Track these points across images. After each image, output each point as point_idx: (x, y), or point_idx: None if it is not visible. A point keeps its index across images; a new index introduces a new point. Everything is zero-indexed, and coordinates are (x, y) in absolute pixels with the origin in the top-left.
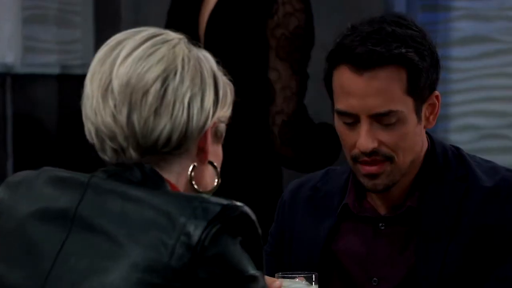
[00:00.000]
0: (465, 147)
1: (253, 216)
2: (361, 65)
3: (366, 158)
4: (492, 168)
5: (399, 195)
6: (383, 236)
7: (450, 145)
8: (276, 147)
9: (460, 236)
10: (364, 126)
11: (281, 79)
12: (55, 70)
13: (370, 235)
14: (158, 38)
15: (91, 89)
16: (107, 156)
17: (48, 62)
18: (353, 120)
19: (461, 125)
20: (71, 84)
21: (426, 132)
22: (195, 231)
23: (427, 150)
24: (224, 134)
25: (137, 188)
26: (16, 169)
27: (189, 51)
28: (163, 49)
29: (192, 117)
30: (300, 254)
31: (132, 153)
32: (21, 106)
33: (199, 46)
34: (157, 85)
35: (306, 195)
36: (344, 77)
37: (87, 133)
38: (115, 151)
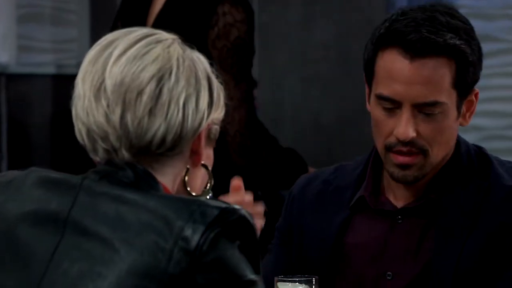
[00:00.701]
0: None
1: (251, 220)
2: (414, 51)
3: (401, 148)
4: None
5: (420, 188)
6: (399, 229)
7: (473, 144)
8: (232, 157)
9: (478, 233)
10: (405, 114)
11: (226, 91)
12: (51, 70)
13: (386, 228)
14: (151, 38)
15: (82, 89)
16: (99, 157)
17: (43, 62)
18: (394, 106)
19: (465, 126)
20: (66, 84)
21: None
22: (194, 235)
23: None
24: (217, 137)
25: (132, 191)
26: (11, 170)
27: (183, 52)
28: (158, 49)
29: (187, 118)
30: (311, 249)
31: (125, 153)
32: (16, 106)
33: (192, 47)
34: (152, 84)
35: (317, 189)
36: (392, 61)
37: (77, 133)
38: (107, 151)
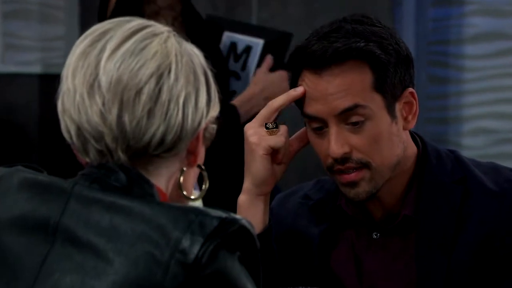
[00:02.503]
0: (479, 152)
1: (252, 230)
2: (318, 64)
3: (339, 167)
4: (493, 168)
5: (393, 203)
6: (377, 246)
7: (446, 148)
8: None
9: (463, 244)
10: (332, 130)
11: None
12: (37, 69)
13: (364, 244)
14: (147, 30)
15: (72, 83)
16: (89, 158)
17: (29, 60)
18: (321, 124)
19: (474, 129)
20: (54, 84)
21: (417, 135)
22: (192, 247)
23: (418, 154)
24: (213, 136)
25: (126, 197)
26: None
27: (180, 46)
28: (155, 44)
29: (187, 118)
30: (291, 264)
31: (121, 155)
32: (1, 107)
33: (187, 39)
34: (152, 83)
35: (297, 203)
36: (306, 82)
37: (64, 130)
38: (100, 153)
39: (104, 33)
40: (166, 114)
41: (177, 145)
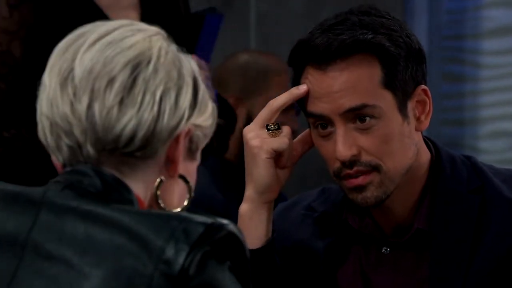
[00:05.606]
0: (498, 157)
1: (241, 236)
2: (322, 59)
3: (348, 171)
4: None
5: (405, 214)
6: (387, 262)
7: (461, 154)
8: None
9: (481, 260)
10: (338, 131)
11: None
12: None
13: (372, 260)
14: (132, 26)
15: (48, 79)
16: (62, 155)
17: None
18: (326, 123)
19: (493, 131)
20: None
21: (430, 140)
22: (176, 257)
23: (432, 161)
24: (200, 148)
25: (102, 204)
26: None
27: (168, 45)
28: (138, 37)
29: (163, 114)
30: (294, 279)
31: (90, 149)
32: None
33: (183, 51)
34: (126, 72)
35: (300, 215)
36: (309, 79)
37: (40, 132)
38: (71, 149)
39: (84, 32)
40: (140, 106)
41: (150, 143)
